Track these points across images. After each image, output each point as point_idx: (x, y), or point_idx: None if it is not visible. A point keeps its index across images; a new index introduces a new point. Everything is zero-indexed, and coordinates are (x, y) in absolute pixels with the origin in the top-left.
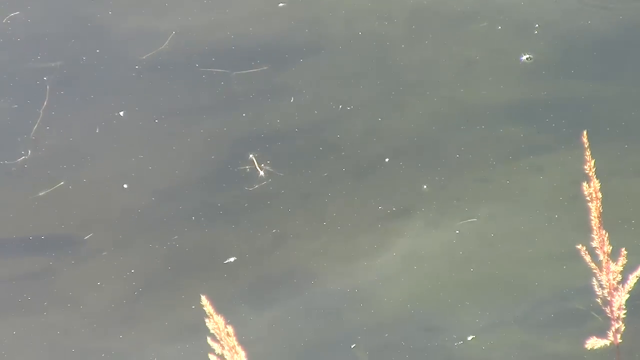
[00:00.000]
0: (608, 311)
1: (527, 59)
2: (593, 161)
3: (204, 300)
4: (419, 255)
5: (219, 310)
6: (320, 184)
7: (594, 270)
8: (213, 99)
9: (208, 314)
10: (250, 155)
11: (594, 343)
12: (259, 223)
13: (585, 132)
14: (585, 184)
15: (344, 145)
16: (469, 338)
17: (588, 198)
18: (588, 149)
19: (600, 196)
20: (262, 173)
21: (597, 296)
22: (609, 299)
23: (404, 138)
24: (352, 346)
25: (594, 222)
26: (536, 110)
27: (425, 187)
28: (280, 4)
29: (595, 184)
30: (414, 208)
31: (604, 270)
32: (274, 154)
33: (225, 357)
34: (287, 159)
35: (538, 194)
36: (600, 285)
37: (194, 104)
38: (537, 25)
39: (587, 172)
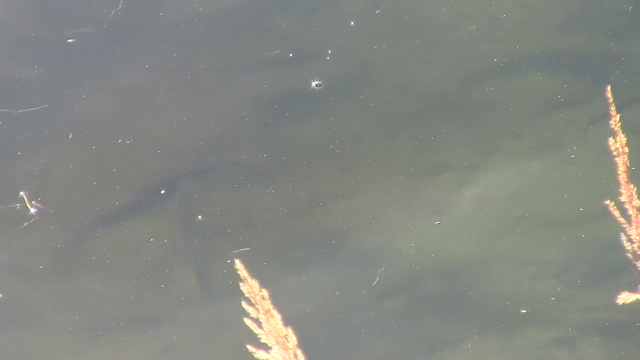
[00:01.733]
0: (639, 265)
1: (316, 85)
2: (619, 115)
3: (238, 264)
4: (450, 212)
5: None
6: (350, 142)
7: (623, 225)
8: None
9: (242, 278)
10: (21, 193)
11: (625, 298)
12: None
13: (609, 87)
14: (611, 139)
15: (373, 102)
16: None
17: (615, 153)
18: (613, 104)
19: (628, 150)
20: (32, 210)
21: (627, 251)
22: (639, 253)
23: (434, 94)
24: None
25: (622, 176)
26: (567, 64)
27: (200, 217)
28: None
29: (622, 138)
30: (444, 165)
31: (633, 224)
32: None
33: (261, 320)
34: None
35: (569, 148)
36: (630, 240)
37: None
38: None
39: (612, 127)
